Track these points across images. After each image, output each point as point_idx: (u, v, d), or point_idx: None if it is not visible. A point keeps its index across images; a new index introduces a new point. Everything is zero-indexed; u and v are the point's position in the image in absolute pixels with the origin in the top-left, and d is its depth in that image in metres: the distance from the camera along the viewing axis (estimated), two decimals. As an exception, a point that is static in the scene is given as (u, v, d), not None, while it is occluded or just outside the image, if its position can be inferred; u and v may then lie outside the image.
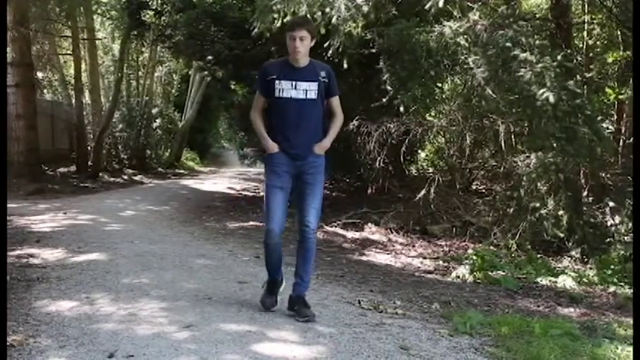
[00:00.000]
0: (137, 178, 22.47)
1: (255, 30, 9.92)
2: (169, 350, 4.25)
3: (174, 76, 31.66)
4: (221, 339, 4.56)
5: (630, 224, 10.94)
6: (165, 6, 17.99)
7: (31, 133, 16.90)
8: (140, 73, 26.81)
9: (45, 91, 22.00)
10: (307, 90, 5.22)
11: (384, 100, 10.80)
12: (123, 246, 8.31)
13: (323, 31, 9.29)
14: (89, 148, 21.29)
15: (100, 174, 20.78)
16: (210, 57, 15.93)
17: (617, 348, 5.17)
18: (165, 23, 18.71)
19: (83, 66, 22.24)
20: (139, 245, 8.47)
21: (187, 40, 16.21)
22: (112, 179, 20.94)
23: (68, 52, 22.67)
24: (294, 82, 5.20)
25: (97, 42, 23.19)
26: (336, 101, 5.45)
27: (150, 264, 7.21)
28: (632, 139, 14.18)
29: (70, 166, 21.16)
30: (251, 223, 12.29)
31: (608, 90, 13.85)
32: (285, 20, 9.38)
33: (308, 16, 9.08)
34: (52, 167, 19.76)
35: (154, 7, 18.56)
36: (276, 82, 5.20)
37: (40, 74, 22.06)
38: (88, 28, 21.88)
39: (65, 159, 21.74)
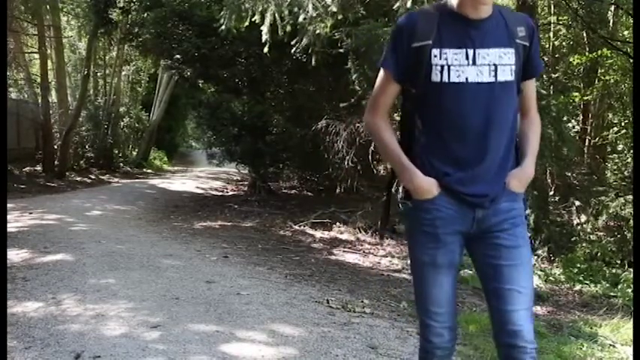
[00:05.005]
0: (104, 177, 22.26)
1: (222, 27, 9.88)
2: (137, 351, 4.24)
3: (141, 74, 31.45)
4: (189, 339, 4.55)
5: (595, 223, 11.09)
6: (132, 4, 17.89)
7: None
8: (107, 72, 26.60)
9: (10, 89, 21.71)
10: (497, 65, 2.72)
11: (353, 99, 10.85)
12: (90, 246, 8.25)
13: (289, 29, 9.29)
14: (55, 147, 21.07)
15: (67, 173, 20.57)
16: (178, 56, 15.88)
17: (583, 346, 5.24)
18: (132, 21, 18.61)
19: (49, 64, 21.96)
20: (106, 245, 8.41)
21: (155, 39, 16.14)
22: (79, 179, 20.74)
23: (34, 50, 22.42)
24: (470, 51, 2.70)
25: (63, 40, 22.93)
26: (534, 86, 3.02)
27: (117, 264, 7.17)
28: (597, 138, 14.39)
29: (36, 166, 20.92)
30: (219, 222, 12.25)
31: (575, 94, 14.02)
32: (253, 19, 9.35)
33: (276, 15, 9.07)
34: (17, 167, 19.54)
35: (121, 6, 18.42)
36: (434, 51, 2.70)
37: (5, 72, 21.86)
38: (54, 26, 21.63)
39: (31, 158, 21.49)
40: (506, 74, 2.73)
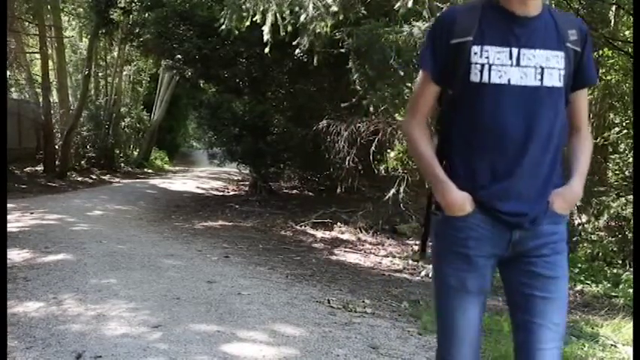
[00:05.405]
0: (105, 177, 22.27)
1: (223, 27, 9.87)
2: (138, 350, 4.24)
3: (142, 75, 31.45)
4: (190, 339, 4.55)
5: (596, 223, 11.09)
6: (133, 4, 17.89)
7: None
8: (108, 72, 26.58)
9: (12, 89, 21.73)
10: (544, 68, 2.45)
11: (354, 99, 10.86)
12: (91, 246, 8.25)
13: (290, 29, 9.28)
14: (57, 147, 21.07)
15: (68, 173, 20.56)
16: (179, 56, 15.88)
17: (585, 346, 5.23)
18: (133, 22, 18.62)
19: (51, 64, 21.97)
20: (108, 245, 8.41)
21: (156, 39, 16.14)
22: (80, 179, 20.74)
23: (35, 50, 22.42)
24: (515, 50, 2.44)
25: (64, 40, 22.93)
26: (586, 98, 2.72)
27: (118, 264, 7.17)
28: (598, 138, 14.39)
29: (37, 166, 20.92)
30: (220, 222, 12.25)
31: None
32: (254, 19, 9.35)
33: (277, 15, 9.06)
34: (18, 167, 19.54)
35: (122, 6, 18.42)
36: (474, 48, 2.45)
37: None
38: (55, 26, 21.64)
39: (32, 158, 21.49)
40: (554, 79, 2.46)
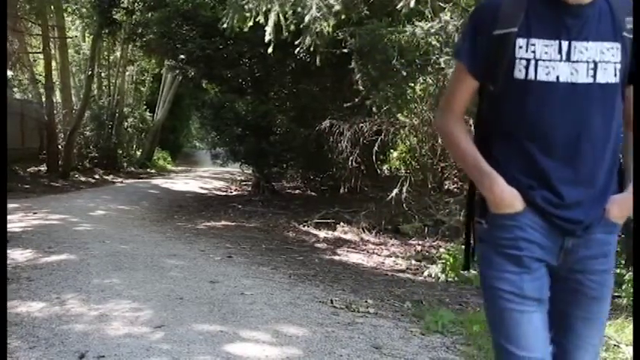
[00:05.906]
0: (108, 177, 22.26)
1: (225, 26, 9.86)
2: (141, 350, 4.24)
3: (145, 75, 31.43)
4: (193, 339, 4.55)
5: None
6: (136, 4, 17.90)
7: None
8: (111, 72, 26.57)
9: (14, 89, 21.74)
10: (597, 63, 2.19)
11: (357, 99, 10.86)
12: (94, 246, 8.25)
13: (293, 28, 9.28)
14: (60, 147, 21.09)
15: (71, 173, 20.57)
16: (182, 56, 15.90)
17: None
18: (136, 22, 18.63)
19: (54, 64, 22.01)
20: (110, 245, 8.41)
21: (159, 39, 16.18)
22: (83, 179, 20.74)
23: (38, 50, 22.44)
24: (565, 44, 2.18)
25: (67, 40, 22.96)
26: None
27: (121, 264, 7.17)
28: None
29: (40, 166, 20.95)
30: (223, 222, 12.25)
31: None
32: (257, 19, 9.34)
33: (280, 15, 9.05)
34: (21, 167, 19.56)
35: (125, 6, 18.42)
36: (519, 41, 2.20)
37: (9, 73, 21.82)
38: (58, 26, 21.68)
39: (35, 158, 21.51)
40: (609, 75, 2.18)
